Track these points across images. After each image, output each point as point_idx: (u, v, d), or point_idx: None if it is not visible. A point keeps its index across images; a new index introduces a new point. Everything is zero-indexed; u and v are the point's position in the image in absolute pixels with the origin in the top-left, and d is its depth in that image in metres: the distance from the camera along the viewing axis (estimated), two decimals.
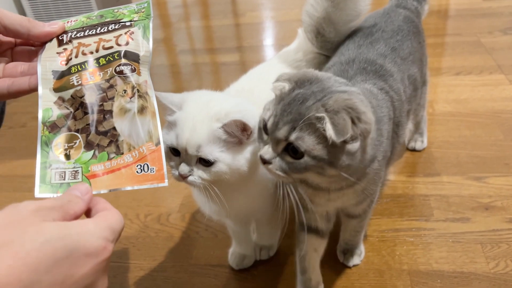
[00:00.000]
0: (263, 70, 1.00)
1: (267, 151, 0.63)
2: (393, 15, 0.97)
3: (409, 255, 0.96)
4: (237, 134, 0.69)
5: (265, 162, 0.64)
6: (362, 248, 0.97)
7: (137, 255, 1.05)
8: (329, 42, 0.97)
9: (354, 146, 0.60)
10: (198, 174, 0.68)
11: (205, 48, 2.40)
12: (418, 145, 1.27)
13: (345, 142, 0.59)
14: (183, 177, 0.68)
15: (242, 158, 0.70)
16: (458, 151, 1.23)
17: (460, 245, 0.97)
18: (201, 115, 0.68)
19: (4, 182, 1.40)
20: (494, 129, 1.31)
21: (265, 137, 0.65)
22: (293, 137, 0.60)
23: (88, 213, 0.44)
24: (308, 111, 0.59)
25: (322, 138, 0.59)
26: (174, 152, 0.69)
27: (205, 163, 0.67)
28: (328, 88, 0.63)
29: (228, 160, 0.68)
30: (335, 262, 0.97)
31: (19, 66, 0.56)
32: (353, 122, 0.58)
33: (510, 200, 1.06)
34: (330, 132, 0.57)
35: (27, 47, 0.58)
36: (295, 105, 0.61)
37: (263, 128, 0.65)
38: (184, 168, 0.68)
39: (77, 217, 0.41)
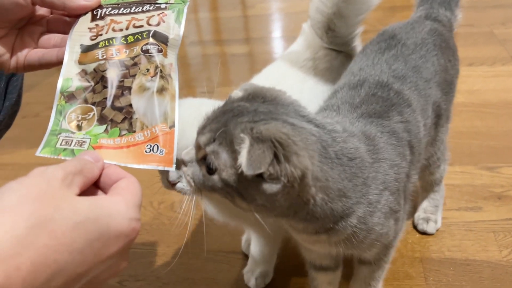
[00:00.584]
0: (270, 76, 0.91)
1: (188, 151, 0.55)
2: (417, 27, 0.82)
3: (421, 243, 0.97)
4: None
5: (182, 162, 0.55)
6: None
7: (151, 241, 1.06)
8: (339, 37, 0.92)
9: (272, 187, 0.49)
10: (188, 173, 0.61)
11: (214, 39, 2.40)
12: (430, 227, 0.98)
13: (262, 177, 0.48)
14: (171, 184, 0.63)
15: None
16: (471, 141, 1.23)
17: (473, 233, 0.97)
18: (191, 117, 0.62)
19: (20, 170, 1.42)
20: (506, 120, 1.31)
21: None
22: (209, 148, 0.51)
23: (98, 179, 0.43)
24: (235, 128, 0.50)
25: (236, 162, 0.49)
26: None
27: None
28: (276, 114, 0.52)
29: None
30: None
31: (53, 38, 0.57)
32: (277, 159, 0.47)
33: None
34: (242, 159, 0.46)
35: (62, 17, 0.58)
36: (227, 116, 0.52)
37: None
38: (172, 174, 0.62)
39: (92, 183, 0.41)
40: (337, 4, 0.87)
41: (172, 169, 0.49)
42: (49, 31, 0.58)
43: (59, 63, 0.55)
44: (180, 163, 0.57)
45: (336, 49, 0.95)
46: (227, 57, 2.17)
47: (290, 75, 0.88)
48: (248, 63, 2.08)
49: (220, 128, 0.51)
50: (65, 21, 0.58)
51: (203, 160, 0.53)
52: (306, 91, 0.85)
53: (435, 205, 1.00)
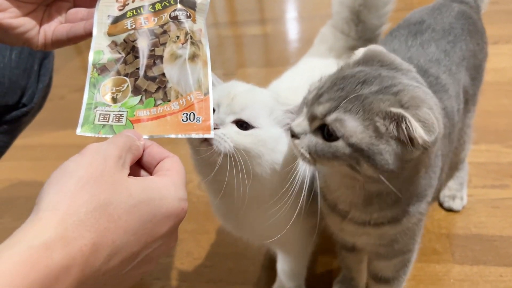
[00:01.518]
0: (294, 80, 0.86)
1: (299, 123, 0.54)
2: (445, 11, 0.79)
3: (447, 219, 0.98)
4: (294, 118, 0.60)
5: (293, 135, 0.55)
6: None
7: None
8: (369, 29, 0.89)
9: (413, 152, 0.49)
10: (230, 131, 0.56)
11: (229, 21, 2.40)
12: (456, 204, 0.99)
13: (404, 142, 0.49)
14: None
15: (282, 149, 0.60)
16: (497, 120, 1.22)
17: (499, 210, 0.97)
18: (252, 86, 0.63)
19: (48, 152, 1.47)
20: None
21: (304, 110, 0.56)
22: (331, 118, 0.50)
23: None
24: (376, 102, 0.49)
25: (372, 127, 0.49)
26: None
27: (243, 128, 0.58)
28: (401, 79, 0.52)
29: (275, 136, 0.59)
30: None
31: (79, 12, 0.56)
32: None
33: None
34: (419, 131, 0.46)
35: None
36: (351, 83, 0.51)
37: (306, 100, 0.57)
38: (215, 118, 0.56)
39: (136, 160, 0.43)
40: None
41: (210, 135, 0.48)
42: (76, 5, 0.58)
43: (87, 35, 0.54)
44: (222, 116, 0.57)
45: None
46: (242, 38, 2.17)
47: (302, 81, 0.79)
48: (264, 45, 2.09)
49: (345, 96, 0.50)
50: None
51: (318, 129, 0.53)
52: None
53: (460, 182, 1.01)
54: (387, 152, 0.49)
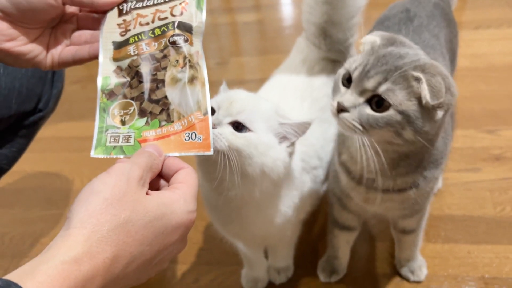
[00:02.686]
0: (270, 95, 0.89)
1: (347, 98, 0.61)
2: (423, 1, 0.88)
3: None
4: (290, 133, 0.66)
5: (341, 110, 0.62)
6: (422, 258, 0.94)
7: None
8: (337, 42, 0.92)
9: (438, 114, 0.60)
10: (225, 131, 0.61)
11: (224, 7, 2.43)
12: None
13: (433, 107, 0.59)
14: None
15: (282, 152, 0.65)
16: (473, 105, 1.30)
17: (471, 192, 1.06)
18: (252, 94, 0.68)
19: (53, 144, 1.54)
20: (509, 83, 1.36)
21: (342, 89, 0.64)
22: (383, 88, 0.59)
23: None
24: (407, 68, 0.59)
25: (414, 96, 0.59)
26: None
27: (238, 129, 0.62)
28: (420, 54, 0.63)
29: (266, 142, 0.63)
30: None
31: (83, 35, 0.60)
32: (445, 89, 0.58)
33: None
34: (425, 93, 0.57)
35: (91, 14, 0.61)
36: (391, 58, 0.60)
37: (345, 79, 0.64)
38: (213, 119, 0.61)
39: (156, 175, 0.49)
40: (327, 12, 0.87)
41: (210, 153, 0.51)
42: (80, 28, 0.61)
43: (91, 59, 0.59)
44: (220, 117, 0.62)
45: (332, 59, 0.94)
46: (237, 26, 2.21)
47: (289, 95, 0.87)
48: (259, 32, 2.12)
49: (390, 69, 0.59)
50: (93, 18, 0.61)
51: (365, 103, 0.61)
52: (305, 109, 0.86)
53: None
54: (425, 116, 0.60)
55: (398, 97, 0.59)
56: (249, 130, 0.63)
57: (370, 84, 0.60)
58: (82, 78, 1.83)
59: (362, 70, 0.61)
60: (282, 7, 2.33)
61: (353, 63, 0.63)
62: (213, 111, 0.64)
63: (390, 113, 0.59)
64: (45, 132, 1.61)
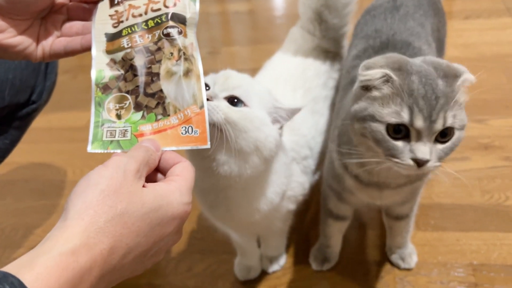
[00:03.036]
0: (272, 75, 0.91)
1: (425, 150, 0.58)
2: None
3: None
4: (282, 116, 0.68)
5: (422, 164, 0.59)
6: (412, 245, 0.95)
7: None
8: (332, 28, 0.95)
9: None
10: (221, 104, 0.61)
11: None
12: None
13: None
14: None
15: (274, 131, 0.67)
16: None
17: (460, 181, 1.08)
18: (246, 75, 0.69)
19: (42, 135, 1.53)
20: (498, 73, 1.38)
21: (399, 144, 0.59)
22: (450, 121, 0.57)
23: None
24: (449, 86, 0.58)
25: (461, 104, 0.59)
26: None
27: (234, 104, 0.63)
28: (425, 50, 0.66)
29: (260, 117, 0.65)
30: None
31: (74, 26, 0.58)
32: None
33: (507, 139, 1.16)
34: (465, 90, 0.60)
35: (81, 4, 0.60)
36: (431, 87, 0.57)
37: (393, 132, 0.59)
38: (209, 93, 0.62)
39: (153, 169, 0.49)
40: None
41: (207, 146, 0.52)
42: (70, 18, 0.59)
43: (83, 50, 0.58)
44: (215, 93, 0.62)
45: (325, 49, 0.96)
46: (229, 15, 2.20)
47: (281, 84, 0.89)
48: (251, 21, 2.12)
49: (444, 98, 0.58)
50: (84, 8, 0.60)
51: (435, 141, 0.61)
52: (298, 99, 0.87)
53: None
54: None
55: (459, 116, 0.59)
56: (245, 105, 0.63)
57: (439, 125, 0.58)
58: (72, 68, 1.81)
59: (424, 116, 0.57)
60: None
61: (392, 115, 0.58)
62: (207, 87, 0.64)
63: (457, 135, 0.60)
64: (36, 122, 1.59)
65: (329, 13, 0.91)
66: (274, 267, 0.98)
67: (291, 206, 0.83)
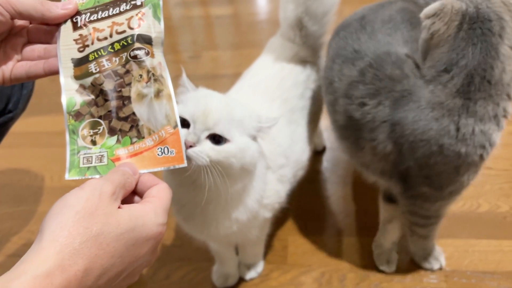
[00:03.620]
0: (240, 95, 0.91)
1: None
2: (387, 6, 0.91)
3: None
4: (261, 134, 0.70)
5: None
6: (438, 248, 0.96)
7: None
8: (311, 35, 0.97)
9: None
10: (205, 148, 0.63)
11: (198, 0, 2.41)
12: None
13: None
14: (187, 146, 0.62)
15: (254, 147, 0.69)
16: None
17: None
18: (224, 98, 0.69)
19: (19, 139, 1.51)
20: None
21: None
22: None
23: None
24: None
25: None
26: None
27: (216, 141, 0.64)
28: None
29: (243, 147, 0.66)
30: None
31: (36, 49, 0.57)
32: None
33: None
34: None
35: (42, 26, 0.58)
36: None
37: None
38: (192, 137, 0.63)
39: (129, 193, 0.49)
40: (305, 2, 0.92)
41: (184, 165, 0.52)
42: (31, 41, 0.58)
43: (46, 75, 0.56)
44: (197, 132, 0.62)
45: (303, 59, 0.98)
46: (211, 19, 2.20)
47: (259, 95, 0.90)
48: (233, 26, 2.12)
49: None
50: (45, 30, 0.58)
51: None
52: (274, 110, 0.88)
53: None
54: None
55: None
56: (227, 140, 0.65)
57: None
58: None
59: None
60: (257, 1, 2.33)
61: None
62: (186, 123, 0.65)
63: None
64: (14, 127, 1.58)
65: (310, 19, 0.93)
66: (252, 274, 0.98)
67: (268, 214, 0.84)
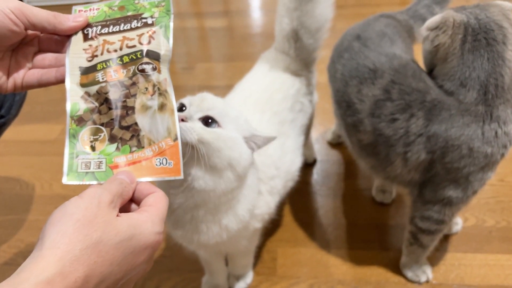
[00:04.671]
0: (241, 98, 0.93)
1: None
2: (373, 23, 0.96)
3: (379, 211, 1.12)
4: (257, 144, 0.71)
5: None
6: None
7: None
8: (306, 48, 0.99)
9: None
10: (195, 125, 0.64)
11: (193, 12, 2.44)
12: (386, 198, 1.16)
13: None
14: (179, 120, 0.61)
15: (247, 150, 0.69)
16: None
17: None
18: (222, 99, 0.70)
19: (13, 147, 1.50)
20: None
21: None
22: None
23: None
24: None
25: None
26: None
27: (207, 124, 0.65)
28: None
29: (234, 137, 0.66)
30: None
31: (47, 58, 0.59)
32: None
33: None
34: None
35: (54, 36, 0.60)
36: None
37: None
38: (185, 113, 0.65)
39: (127, 201, 0.51)
40: (299, 18, 0.94)
41: (180, 177, 0.54)
42: (42, 50, 0.60)
43: (58, 83, 0.58)
44: (191, 113, 0.64)
45: (295, 72, 1.00)
46: (206, 31, 2.23)
47: (250, 107, 0.91)
48: (227, 38, 2.15)
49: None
50: (56, 40, 0.60)
51: None
52: (264, 122, 0.88)
53: None
54: None
55: None
56: (219, 125, 0.66)
57: None
58: None
59: None
60: (251, 13, 2.36)
61: None
62: (183, 108, 0.67)
63: None
64: (5, 134, 1.58)
65: (305, 32, 0.96)
66: (241, 285, 0.99)
67: (258, 224, 0.85)
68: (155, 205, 0.50)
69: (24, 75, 0.58)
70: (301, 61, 1.00)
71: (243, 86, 0.98)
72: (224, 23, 2.26)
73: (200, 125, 0.64)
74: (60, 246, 0.40)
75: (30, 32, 0.58)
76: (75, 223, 0.42)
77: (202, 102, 0.67)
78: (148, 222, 0.47)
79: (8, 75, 0.58)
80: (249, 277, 1.00)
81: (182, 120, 0.63)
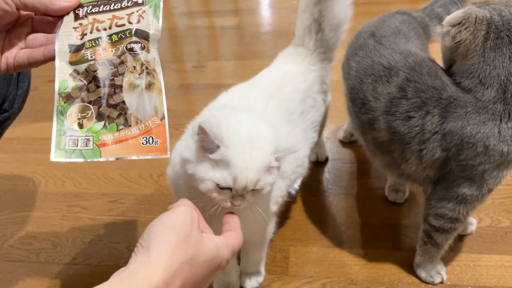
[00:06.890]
0: (235, 92, 0.93)
1: None
2: (388, 20, 0.96)
3: (392, 211, 1.11)
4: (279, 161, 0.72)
5: None
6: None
7: (153, 210, 1.19)
8: (325, 40, 0.99)
9: None
10: (248, 201, 0.68)
11: (203, 10, 2.44)
12: (399, 197, 1.14)
13: None
14: (234, 205, 0.67)
15: (276, 178, 0.72)
16: None
17: None
18: (252, 153, 0.65)
19: (25, 144, 1.52)
20: None
21: None
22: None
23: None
24: None
25: None
26: (223, 187, 0.66)
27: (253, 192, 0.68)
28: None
29: (273, 180, 0.70)
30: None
31: (38, 38, 0.60)
32: None
33: None
34: None
35: (46, 17, 0.61)
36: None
37: None
38: (239, 201, 0.66)
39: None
40: (321, 11, 0.95)
41: (167, 156, 0.55)
42: (35, 31, 0.61)
43: (46, 60, 0.59)
44: (243, 192, 0.67)
45: (310, 68, 1.00)
46: (216, 30, 2.22)
47: (256, 90, 0.92)
48: (237, 36, 2.14)
49: None
50: (49, 21, 0.60)
51: None
52: (270, 108, 0.89)
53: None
54: None
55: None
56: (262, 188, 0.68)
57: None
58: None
59: None
60: (261, 12, 2.35)
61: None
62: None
63: None
64: (18, 132, 1.59)
65: (326, 24, 0.97)
66: (253, 284, 0.98)
67: (274, 207, 0.87)
68: (233, 240, 0.58)
69: (15, 54, 0.59)
70: (318, 56, 1.01)
71: (255, 78, 0.99)
72: (234, 21, 2.25)
73: (250, 195, 0.68)
74: (165, 257, 0.47)
75: (23, 12, 0.60)
76: (176, 237, 0.49)
77: (248, 185, 0.65)
78: (224, 248, 0.55)
79: (1, 55, 0.59)
80: (261, 276, 0.99)
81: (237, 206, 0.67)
